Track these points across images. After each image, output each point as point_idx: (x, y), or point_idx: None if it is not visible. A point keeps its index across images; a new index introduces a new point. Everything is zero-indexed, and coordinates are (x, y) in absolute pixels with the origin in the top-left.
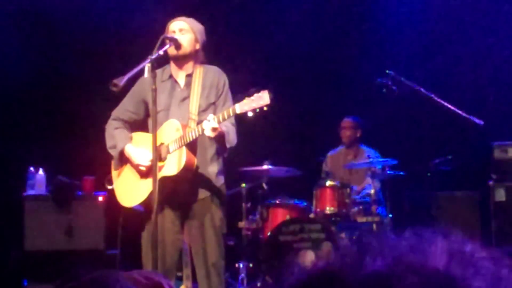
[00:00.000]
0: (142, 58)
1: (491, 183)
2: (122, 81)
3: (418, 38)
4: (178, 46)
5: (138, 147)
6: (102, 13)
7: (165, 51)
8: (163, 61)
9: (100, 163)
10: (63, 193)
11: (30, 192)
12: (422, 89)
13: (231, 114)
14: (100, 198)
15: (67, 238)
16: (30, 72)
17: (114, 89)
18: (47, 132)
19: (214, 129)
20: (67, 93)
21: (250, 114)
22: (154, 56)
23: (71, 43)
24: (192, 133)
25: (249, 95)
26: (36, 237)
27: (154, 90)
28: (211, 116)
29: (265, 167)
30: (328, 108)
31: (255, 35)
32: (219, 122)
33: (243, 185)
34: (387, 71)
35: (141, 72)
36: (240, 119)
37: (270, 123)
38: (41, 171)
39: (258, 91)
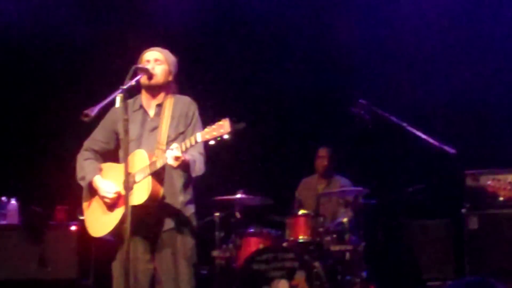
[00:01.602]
0: (114, 88)
1: (464, 211)
2: (93, 111)
3: (390, 67)
4: (150, 76)
5: (107, 179)
6: (75, 44)
7: (137, 81)
8: (135, 91)
9: (73, 193)
10: (35, 222)
11: (2, 221)
12: (394, 118)
13: (193, 143)
14: (73, 228)
15: (40, 268)
16: (1, 103)
17: (86, 119)
18: (20, 162)
19: (176, 158)
20: (39, 123)
21: (212, 142)
22: (125, 86)
23: (42, 72)
24: (156, 163)
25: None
26: (8, 267)
27: (126, 120)
28: (174, 145)
29: (238, 196)
30: (301, 137)
31: (227, 63)
32: (182, 151)
33: (216, 214)
34: (359, 100)
35: (113, 102)
36: (213, 148)
37: (242, 152)
38: (13, 201)
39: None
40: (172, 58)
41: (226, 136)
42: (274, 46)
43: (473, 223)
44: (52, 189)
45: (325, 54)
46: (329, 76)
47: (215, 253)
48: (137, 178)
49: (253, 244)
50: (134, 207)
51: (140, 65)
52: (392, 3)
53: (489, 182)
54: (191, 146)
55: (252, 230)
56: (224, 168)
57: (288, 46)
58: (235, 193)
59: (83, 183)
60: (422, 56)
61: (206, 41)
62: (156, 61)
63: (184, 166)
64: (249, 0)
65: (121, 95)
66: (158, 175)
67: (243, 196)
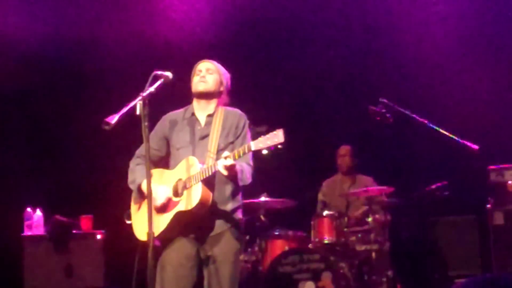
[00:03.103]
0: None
1: (489, 207)
2: (114, 119)
3: (411, 65)
4: (168, 82)
5: (156, 183)
6: (100, 54)
7: (157, 88)
8: (157, 97)
9: (98, 202)
10: (60, 232)
11: (28, 232)
12: (416, 116)
13: (246, 151)
14: (99, 236)
15: (67, 278)
16: (27, 113)
17: (106, 127)
18: (45, 172)
19: (228, 167)
20: (64, 133)
21: (264, 152)
22: (145, 93)
23: (66, 81)
24: (208, 170)
25: (262, 133)
26: (35, 278)
27: (146, 127)
28: (226, 153)
29: (262, 199)
30: (323, 137)
31: (247, 65)
32: (234, 159)
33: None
34: (380, 99)
35: (133, 109)
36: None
37: (265, 156)
38: (38, 212)
39: (260, 129)
40: (224, 71)
41: (279, 146)
42: (293, 47)
43: (499, 219)
44: (77, 198)
45: (346, 54)
46: (351, 76)
47: (241, 257)
48: (187, 184)
49: (279, 246)
50: (183, 212)
51: (159, 72)
52: (412, 5)
53: (510, 182)
54: (244, 154)
55: (277, 232)
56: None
57: (308, 47)
58: (259, 197)
59: (133, 186)
60: (444, 53)
61: (227, 45)
62: (208, 71)
63: (234, 175)
64: (273, 2)
65: (141, 102)
66: (209, 182)
67: (267, 199)
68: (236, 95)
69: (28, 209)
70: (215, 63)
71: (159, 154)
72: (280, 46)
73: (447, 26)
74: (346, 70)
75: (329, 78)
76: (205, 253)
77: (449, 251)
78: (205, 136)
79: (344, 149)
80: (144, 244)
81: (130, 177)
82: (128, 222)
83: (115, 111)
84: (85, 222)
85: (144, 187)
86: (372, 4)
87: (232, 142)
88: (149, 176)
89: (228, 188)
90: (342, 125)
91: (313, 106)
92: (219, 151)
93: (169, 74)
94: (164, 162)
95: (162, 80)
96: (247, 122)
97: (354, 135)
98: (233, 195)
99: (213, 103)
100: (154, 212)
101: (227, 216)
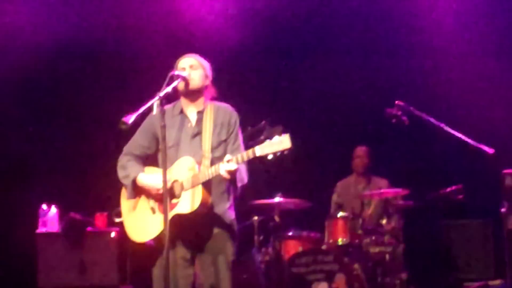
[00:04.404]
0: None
1: (503, 210)
2: (131, 119)
3: (427, 67)
4: (187, 82)
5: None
6: (118, 53)
7: (174, 88)
8: (173, 97)
9: (113, 199)
10: (75, 230)
11: (42, 229)
12: (432, 119)
13: (251, 157)
14: (113, 234)
15: (80, 275)
16: (42, 110)
17: (123, 127)
18: (60, 170)
19: (230, 172)
20: (79, 130)
21: (270, 157)
22: (162, 93)
23: (83, 79)
24: (208, 172)
25: (267, 134)
26: (49, 275)
27: (163, 127)
28: (228, 157)
29: (276, 199)
30: (337, 138)
31: (263, 68)
32: (237, 163)
33: (255, 218)
34: (396, 102)
35: (150, 109)
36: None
37: (279, 156)
38: (53, 208)
39: (276, 130)
40: (206, 62)
41: (285, 152)
42: (312, 49)
43: None
44: (92, 196)
45: (364, 56)
46: (366, 78)
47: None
48: (185, 186)
49: (293, 247)
50: (183, 214)
51: (176, 72)
52: (433, 6)
53: None
54: (248, 159)
55: (291, 233)
56: (262, 173)
57: (327, 49)
58: (273, 197)
59: (126, 181)
60: (461, 56)
61: (244, 44)
62: (192, 67)
63: (234, 177)
64: (289, 2)
65: (158, 102)
66: (207, 183)
67: (281, 199)
68: (253, 94)
69: (43, 206)
70: (196, 57)
71: (148, 152)
72: (299, 48)
73: (466, 28)
74: (363, 72)
75: (346, 80)
76: (202, 253)
77: (463, 255)
78: (197, 134)
79: (361, 150)
80: (137, 245)
81: (122, 173)
82: (117, 220)
83: (132, 110)
84: (100, 219)
85: (140, 181)
86: (391, 5)
87: (224, 140)
88: (165, 173)
89: (222, 188)
90: (357, 127)
91: (330, 107)
92: (213, 150)
93: (186, 74)
94: (151, 160)
95: (179, 80)
96: (238, 118)
97: (369, 137)
98: (227, 194)
99: (201, 98)
100: (150, 212)
101: (222, 217)
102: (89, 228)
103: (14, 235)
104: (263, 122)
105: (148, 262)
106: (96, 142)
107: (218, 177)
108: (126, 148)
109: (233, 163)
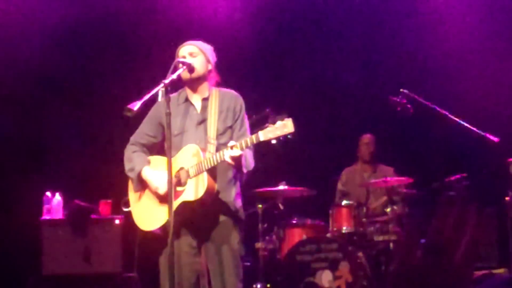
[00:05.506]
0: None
1: (508, 199)
2: (136, 106)
3: (432, 56)
4: (191, 69)
5: (156, 170)
6: (123, 40)
7: (179, 76)
8: (178, 85)
9: (117, 187)
10: (79, 217)
11: (47, 216)
12: (437, 107)
13: (255, 142)
14: (117, 221)
15: (85, 262)
16: (47, 96)
17: (128, 114)
18: (64, 157)
19: (235, 158)
20: (83, 118)
21: (273, 141)
22: (167, 80)
23: (86, 66)
24: (212, 159)
25: (272, 121)
26: (53, 262)
27: (168, 114)
28: (232, 143)
29: (280, 187)
30: (342, 127)
31: (269, 55)
32: (241, 149)
33: (259, 206)
34: (401, 90)
35: (155, 96)
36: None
37: (284, 144)
38: (58, 196)
39: (281, 117)
40: (206, 46)
41: (288, 136)
42: (318, 37)
43: None
44: (96, 183)
45: (369, 44)
46: (371, 66)
47: (259, 245)
48: (191, 174)
49: (297, 235)
50: (189, 202)
51: (180, 59)
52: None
53: None
54: (252, 144)
55: (295, 221)
56: (266, 160)
57: (332, 37)
58: (277, 185)
59: (132, 174)
60: (465, 44)
61: (251, 32)
62: (192, 54)
63: (238, 162)
64: None
65: (163, 89)
66: (212, 170)
67: (286, 187)
68: (261, 82)
69: (48, 193)
70: (196, 43)
71: (154, 141)
72: (305, 36)
73: (469, 18)
74: (368, 60)
75: (351, 68)
76: (208, 241)
77: None
78: (202, 121)
79: (367, 138)
80: (145, 233)
81: (128, 166)
82: (125, 209)
83: (136, 98)
84: (104, 207)
85: (144, 175)
86: None
87: (230, 126)
88: (170, 161)
89: (229, 175)
90: (362, 115)
91: (334, 95)
92: (219, 136)
93: (191, 62)
94: (157, 148)
95: (184, 68)
96: (243, 103)
97: (374, 125)
98: (234, 181)
99: (205, 85)
100: (155, 201)
101: (229, 204)
102: (93, 215)
103: (18, 222)
104: (267, 109)
105: (155, 251)
106: (101, 129)
107: (224, 164)
108: (133, 138)
109: (237, 149)
